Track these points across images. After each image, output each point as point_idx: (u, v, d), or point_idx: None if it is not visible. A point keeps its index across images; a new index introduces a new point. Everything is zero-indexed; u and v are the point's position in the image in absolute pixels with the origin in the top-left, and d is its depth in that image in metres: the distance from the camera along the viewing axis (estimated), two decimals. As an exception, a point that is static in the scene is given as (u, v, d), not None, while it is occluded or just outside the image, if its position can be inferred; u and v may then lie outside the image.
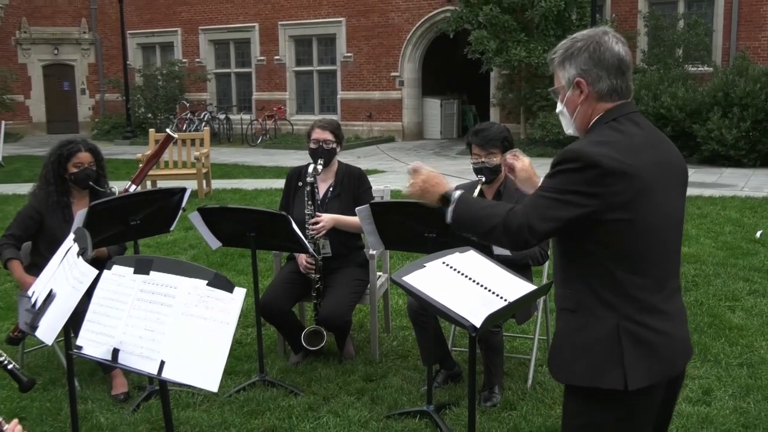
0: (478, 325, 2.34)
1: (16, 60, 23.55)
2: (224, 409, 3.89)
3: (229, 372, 4.27)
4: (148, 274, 2.38)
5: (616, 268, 2.01)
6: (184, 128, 19.42)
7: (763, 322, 5.07)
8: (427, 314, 3.87)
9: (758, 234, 7.60)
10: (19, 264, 4.20)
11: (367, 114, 20.48)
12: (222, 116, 21.21)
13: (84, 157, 4.31)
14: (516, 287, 2.56)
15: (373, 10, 19.99)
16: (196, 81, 22.04)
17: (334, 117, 17.33)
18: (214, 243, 4.32)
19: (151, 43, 23.74)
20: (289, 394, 4.05)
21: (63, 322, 2.55)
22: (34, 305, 2.63)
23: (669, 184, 2.10)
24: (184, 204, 4.28)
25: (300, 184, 4.56)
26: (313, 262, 4.37)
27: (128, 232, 4.13)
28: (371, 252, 4.43)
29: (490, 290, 2.50)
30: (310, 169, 4.40)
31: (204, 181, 11.01)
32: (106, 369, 4.12)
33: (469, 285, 2.51)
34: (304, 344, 4.37)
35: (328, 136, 4.50)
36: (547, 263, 4.17)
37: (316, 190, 4.42)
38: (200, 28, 22.56)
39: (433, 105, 20.55)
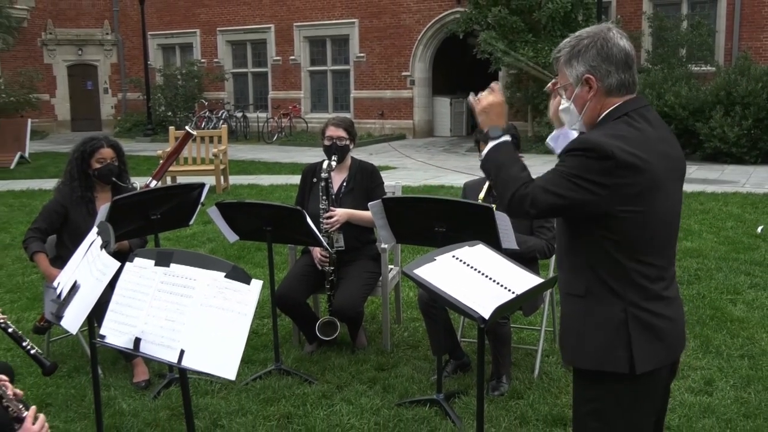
0: (486, 316, 2.38)
1: (42, 60, 23.89)
2: (241, 396, 3.98)
3: (246, 361, 4.36)
4: (168, 266, 2.40)
5: (624, 257, 2.05)
6: (202, 126, 19.62)
7: (763, 314, 5.11)
8: (437, 306, 3.94)
9: (759, 229, 7.64)
10: (44, 257, 4.29)
11: (380, 112, 20.59)
12: (239, 114, 21.40)
13: (106, 153, 4.41)
14: (523, 280, 2.59)
15: (385, 12, 20.08)
16: (215, 80, 22.26)
17: (347, 115, 17.43)
18: (232, 237, 4.37)
19: (170, 44, 23.97)
20: (303, 383, 4.13)
21: (87, 313, 2.59)
22: (59, 296, 2.66)
23: (673, 176, 2.15)
24: (202, 199, 4.35)
25: (315, 180, 4.62)
26: (327, 255, 4.44)
27: (149, 225, 4.19)
28: (383, 245, 4.48)
29: (498, 283, 2.53)
30: (325, 165, 4.47)
31: (222, 177, 11.14)
32: (128, 357, 4.21)
33: (477, 278, 2.54)
34: (318, 334, 4.44)
35: (342, 133, 4.58)
36: (553, 257, 4.20)
37: (330, 185, 4.49)
38: (218, 29, 22.75)
39: (443, 103, 20.64)
